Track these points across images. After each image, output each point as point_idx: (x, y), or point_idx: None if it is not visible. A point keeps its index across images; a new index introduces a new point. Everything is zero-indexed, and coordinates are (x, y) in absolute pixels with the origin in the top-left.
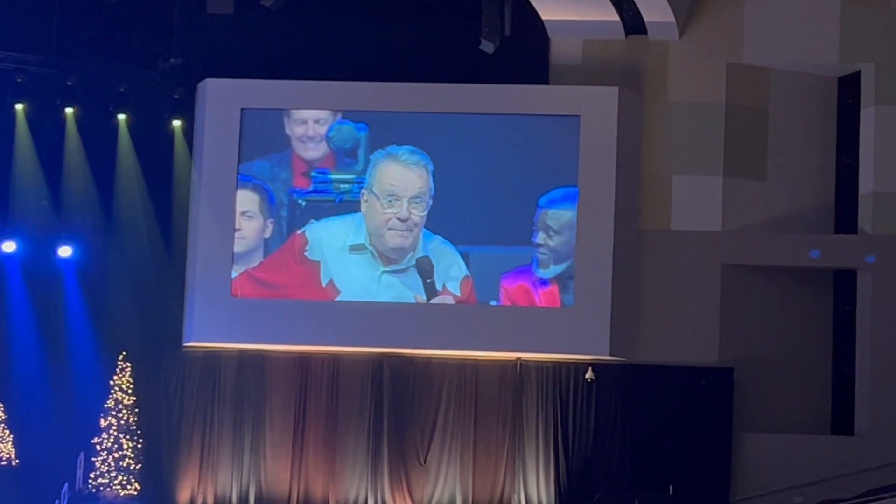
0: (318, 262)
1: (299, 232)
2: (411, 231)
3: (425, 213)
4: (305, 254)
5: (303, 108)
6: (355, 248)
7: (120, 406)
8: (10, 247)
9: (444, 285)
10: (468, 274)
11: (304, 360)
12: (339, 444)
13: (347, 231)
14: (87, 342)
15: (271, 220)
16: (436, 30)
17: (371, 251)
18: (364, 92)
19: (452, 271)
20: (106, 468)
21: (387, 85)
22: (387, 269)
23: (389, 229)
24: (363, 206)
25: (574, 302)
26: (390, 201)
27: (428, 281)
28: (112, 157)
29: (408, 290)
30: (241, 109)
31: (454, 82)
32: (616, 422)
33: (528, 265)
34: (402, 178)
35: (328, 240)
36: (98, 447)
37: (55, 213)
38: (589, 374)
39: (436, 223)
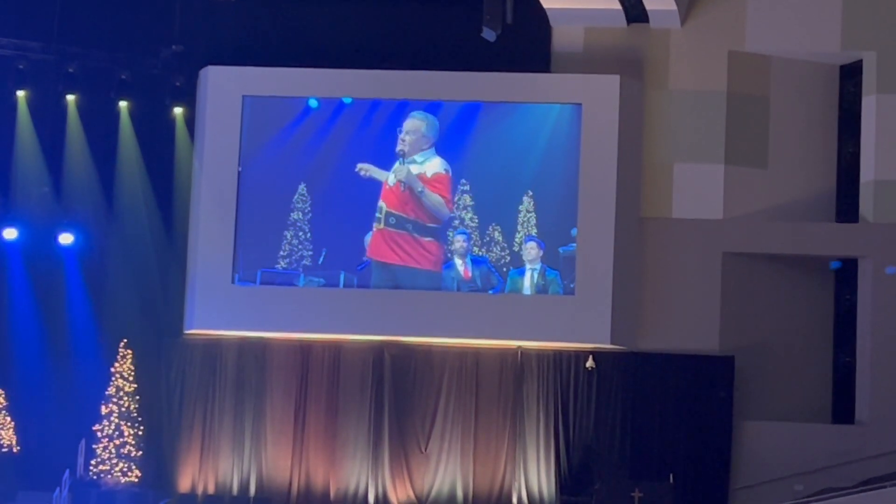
0: None
1: None
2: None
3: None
4: None
5: (305, 94)
6: None
7: (121, 393)
8: (11, 234)
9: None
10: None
11: (304, 347)
12: (339, 431)
13: None
14: (88, 329)
15: None
16: (438, 17)
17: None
18: (366, 79)
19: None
20: (107, 455)
21: (389, 73)
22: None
23: None
24: None
25: (575, 290)
26: None
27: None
28: (113, 144)
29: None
30: (243, 96)
31: (456, 70)
32: (617, 410)
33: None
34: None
35: None
36: (99, 434)
37: (56, 200)
38: (590, 363)
39: None
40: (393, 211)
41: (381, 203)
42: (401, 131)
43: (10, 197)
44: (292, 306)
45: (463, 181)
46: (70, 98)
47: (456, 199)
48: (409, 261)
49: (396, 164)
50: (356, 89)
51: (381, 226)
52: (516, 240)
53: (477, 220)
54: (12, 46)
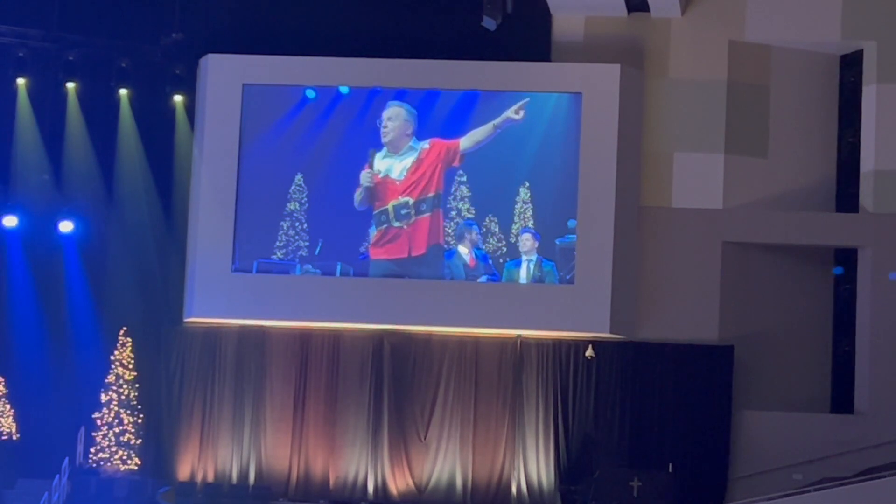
0: None
1: None
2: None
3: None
4: None
5: (305, 83)
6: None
7: (120, 381)
8: (11, 221)
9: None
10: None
11: (304, 336)
12: (339, 420)
13: None
14: (88, 317)
15: None
16: (438, 6)
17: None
18: (366, 68)
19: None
20: (106, 443)
21: (389, 61)
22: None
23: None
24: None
25: (574, 279)
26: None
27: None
28: (113, 132)
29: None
30: (243, 85)
31: (456, 59)
32: (616, 399)
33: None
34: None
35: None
36: (98, 422)
37: (56, 188)
38: (589, 352)
39: None
40: (421, 196)
41: (404, 198)
42: (380, 121)
43: (10, 185)
44: (292, 295)
45: (460, 172)
46: (70, 86)
47: (453, 190)
48: (420, 248)
49: (382, 158)
50: (355, 78)
51: (412, 219)
52: (513, 231)
53: (474, 212)
54: (12, 34)
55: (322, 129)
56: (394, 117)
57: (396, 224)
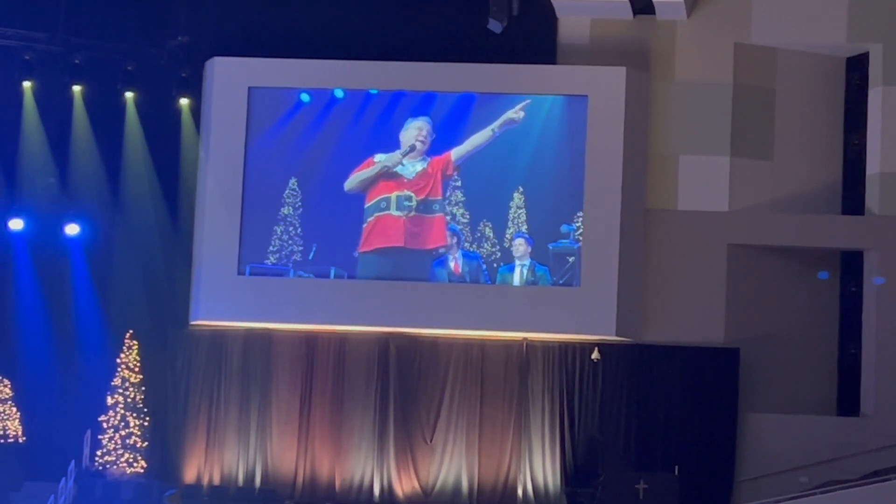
0: None
1: None
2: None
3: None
4: None
5: (311, 86)
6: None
7: (126, 384)
8: (17, 224)
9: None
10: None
11: (310, 338)
12: (345, 423)
13: None
14: (94, 320)
15: None
16: (443, 9)
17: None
18: (371, 71)
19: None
20: (112, 446)
21: (394, 64)
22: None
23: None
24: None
25: (580, 282)
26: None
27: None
28: (119, 135)
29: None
30: (249, 88)
31: (462, 62)
32: (622, 402)
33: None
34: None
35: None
36: (105, 425)
37: (62, 191)
38: (595, 355)
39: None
40: (424, 197)
41: (408, 192)
42: (420, 129)
43: (17, 188)
44: (298, 298)
45: (455, 177)
46: (76, 89)
47: (448, 195)
48: (422, 243)
49: (407, 159)
50: (361, 80)
51: (412, 213)
52: (507, 236)
53: (468, 217)
54: (18, 37)
55: (317, 133)
56: (424, 128)
57: (396, 213)
